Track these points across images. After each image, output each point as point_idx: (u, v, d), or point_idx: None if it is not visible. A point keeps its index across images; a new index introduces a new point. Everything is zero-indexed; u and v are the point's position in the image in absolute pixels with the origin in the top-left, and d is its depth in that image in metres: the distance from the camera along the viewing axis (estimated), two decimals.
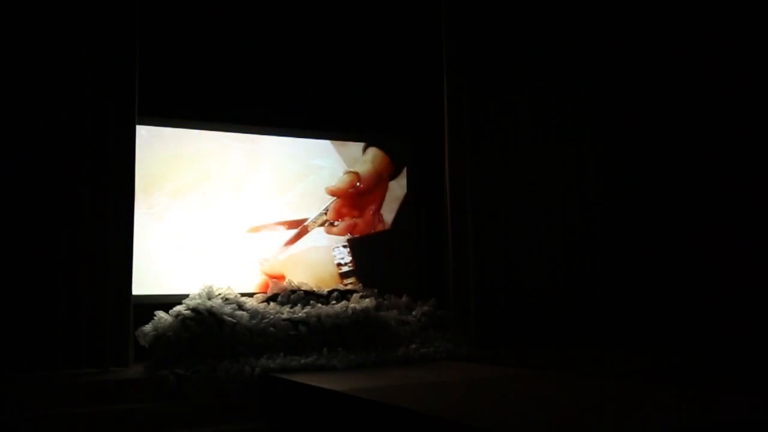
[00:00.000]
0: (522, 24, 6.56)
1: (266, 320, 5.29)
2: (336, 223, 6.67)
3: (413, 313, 5.99)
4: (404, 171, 7.09)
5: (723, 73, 5.94)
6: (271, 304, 5.61)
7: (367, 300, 5.75)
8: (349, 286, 6.35)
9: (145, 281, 5.65)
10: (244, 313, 5.27)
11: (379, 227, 6.91)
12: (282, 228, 6.46)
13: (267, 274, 6.31)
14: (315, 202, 6.63)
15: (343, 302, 5.72)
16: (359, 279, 6.60)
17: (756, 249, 5.64)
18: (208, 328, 5.03)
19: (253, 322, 5.23)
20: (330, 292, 5.93)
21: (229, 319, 5.14)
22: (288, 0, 6.45)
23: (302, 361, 5.00)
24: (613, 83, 6.69)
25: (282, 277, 6.24)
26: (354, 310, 5.58)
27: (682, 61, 6.27)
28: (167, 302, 5.30)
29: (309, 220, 6.53)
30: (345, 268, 6.64)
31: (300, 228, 6.53)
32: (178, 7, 6.03)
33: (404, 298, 6.15)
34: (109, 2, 5.30)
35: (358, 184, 6.81)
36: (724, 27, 5.93)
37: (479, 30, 6.44)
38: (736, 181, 5.83)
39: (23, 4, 5.05)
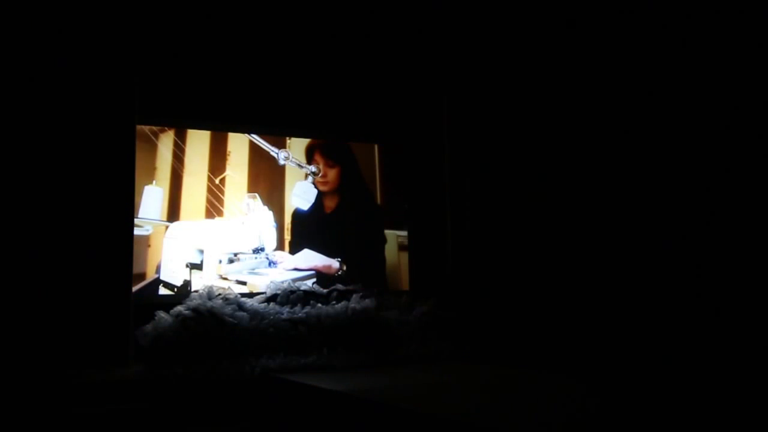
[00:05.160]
0: (523, 26, 6.55)
1: (266, 320, 5.29)
2: None
3: (413, 313, 5.98)
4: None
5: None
6: (271, 304, 5.61)
7: (367, 300, 5.74)
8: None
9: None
10: (245, 313, 5.27)
11: None
12: None
13: None
14: None
15: (343, 302, 5.71)
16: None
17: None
18: (209, 328, 5.03)
19: (254, 322, 5.24)
20: (330, 292, 5.93)
21: (230, 319, 5.14)
22: (288, 1, 6.44)
23: (302, 361, 5.00)
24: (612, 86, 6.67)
25: None
26: (354, 310, 5.58)
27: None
28: (167, 302, 5.30)
29: None
30: None
31: None
32: (178, 8, 6.02)
33: (404, 298, 6.15)
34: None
35: None
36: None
37: (480, 28, 6.44)
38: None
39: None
